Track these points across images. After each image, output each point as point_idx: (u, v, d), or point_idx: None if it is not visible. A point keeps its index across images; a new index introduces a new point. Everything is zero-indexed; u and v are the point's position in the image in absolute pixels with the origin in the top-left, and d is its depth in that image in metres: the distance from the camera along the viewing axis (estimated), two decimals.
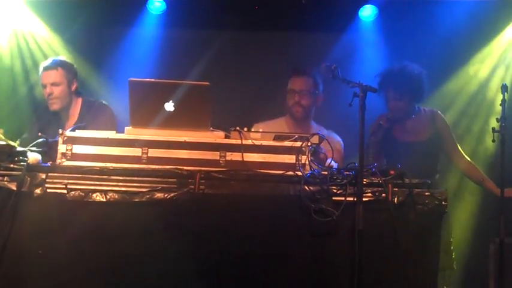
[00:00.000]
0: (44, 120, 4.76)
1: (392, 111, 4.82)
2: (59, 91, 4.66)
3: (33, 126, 4.80)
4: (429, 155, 4.79)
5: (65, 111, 4.73)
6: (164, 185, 3.45)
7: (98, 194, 3.42)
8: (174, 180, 3.46)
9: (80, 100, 4.77)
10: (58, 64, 4.68)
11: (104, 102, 4.83)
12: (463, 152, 4.89)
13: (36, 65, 5.50)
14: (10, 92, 5.70)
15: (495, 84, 5.52)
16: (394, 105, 4.81)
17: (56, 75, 4.65)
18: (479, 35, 5.64)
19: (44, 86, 4.69)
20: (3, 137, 4.27)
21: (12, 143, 4.04)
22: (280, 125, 4.79)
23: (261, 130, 3.97)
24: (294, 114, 4.77)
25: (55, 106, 4.68)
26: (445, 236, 4.70)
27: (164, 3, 5.81)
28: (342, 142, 4.80)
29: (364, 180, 3.45)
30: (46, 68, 4.68)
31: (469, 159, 4.88)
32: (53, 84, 4.65)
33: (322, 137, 3.69)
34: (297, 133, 3.78)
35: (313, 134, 3.68)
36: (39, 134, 3.82)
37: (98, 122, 4.54)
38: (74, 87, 4.73)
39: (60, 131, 3.57)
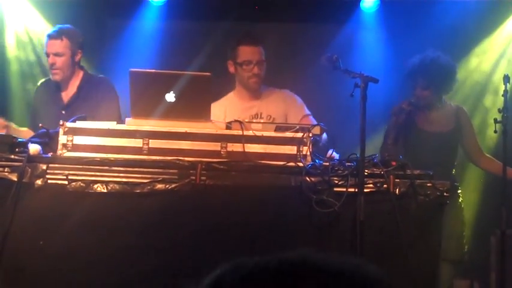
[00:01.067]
0: (44, 97, 4.69)
1: (416, 99, 4.80)
2: (62, 62, 4.49)
3: (35, 104, 4.73)
4: (449, 148, 4.80)
5: (65, 82, 4.61)
6: (165, 176, 3.45)
7: (98, 185, 3.42)
8: (175, 171, 3.46)
9: (81, 73, 4.64)
10: (63, 33, 4.51)
11: (104, 76, 4.76)
12: (480, 146, 4.89)
13: (39, 58, 5.50)
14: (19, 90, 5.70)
15: (497, 75, 5.50)
16: (419, 94, 4.79)
17: (59, 45, 4.49)
18: (482, 25, 5.61)
19: (47, 55, 4.53)
20: (19, 129, 4.29)
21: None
22: (232, 101, 4.61)
23: (259, 123, 3.96)
24: (251, 86, 4.54)
25: (57, 77, 4.55)
26: (459, 227, 4.72)
27: None
28: (289, 92, 4.65)
29: (366, 171, 3.45)
30: (50, 37, 4.51)
31: (485, 153, 4.88)
32: (56, 55, 4.48)
33: (324, 127, 3.68)
34: (294, 124, 3.77)
35: (315, 125, 3.67)
36: (40, 125, 3.79)
37: (99, 97, 4.50)
38: (77, 57, 4.58)
39: (61, 121, 3.56)
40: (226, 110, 4.53)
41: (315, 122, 3.99)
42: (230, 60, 4.53)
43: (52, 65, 4.52)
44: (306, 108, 4.55)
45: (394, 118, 4.72)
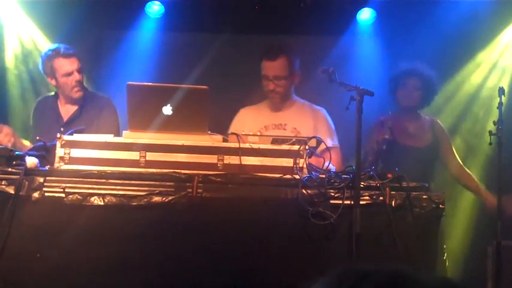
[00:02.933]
0: (43, 115, 4.70)
1: (405, 101, 4.86)
2: (80, 77, 4.55)
3: (34, 122, 4.74)
4: (427, 162, 4.82)
5: (66, 102, 4.64)
6: (162, 189, 3.46)
7: (95, 197, 3.43)
8: (172, 183, 3.47)
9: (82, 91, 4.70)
10: (74, 52, 4.55)
11: (106, 96, 4.77)
12: (459, 160, 4.92)
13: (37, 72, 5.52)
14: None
15: (492, 87, 5.52)
16: (410, 94, 4.84)
17: (77, 62, 4.53)
18: (476, 37, 5.65)
19: (69, 74, 4.51)
20: (23, 142, 4.30)
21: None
22: (262, 108, 4.66)
23: (258, 133, 3.99)
24: (270, 100, 4.61)
25: (81, 93, 4.56)
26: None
27: (163, 6, 5.81)
28: (325, 113, 4.65)
29: (362, 183, 3.46)
30: (65, 55, 4.52)
31: (465, 168, 4.91)
32: (78, 71, 4.52)
33: (320, 140, 3.70)
34: (290, 136, 3.79)
35: (311, 138, 3.68)
36: (37, 138, 3.81)
37: (101, 118, 4.52)
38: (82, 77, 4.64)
39: (58, 134, 3.57)
40: (253, 116, 4.57)
41: (336, 155, 4.10)
42: (259, 72, 4.59)
43: (78, 81, 4.53)
44: (334, 131, 4.54)
45: (376, 147, 4.76)
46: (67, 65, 4.52)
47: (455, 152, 4.96)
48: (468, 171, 4.92)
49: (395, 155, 4.70)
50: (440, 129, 4.95)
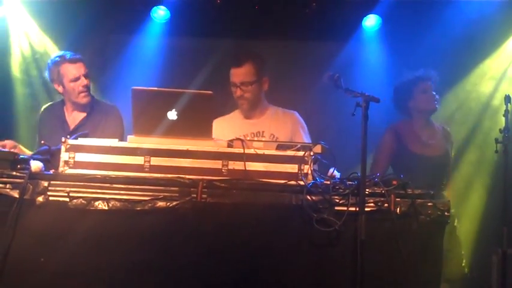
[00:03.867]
0: (50, 122, 4.71)
1: (428, 105, 4.88)
2: (88, 82, 4.58)
3: (41, 130, 4.76)
4: (441, 171, 4.84)
5: (72, 109, 4.67)
6: (166, 194, 3.45)
7: (100, 202, 3.42)
8: (177, 189, 3.46)
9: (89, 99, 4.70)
10: (80, 58, 4.58)
11: (112, 104, 4.78)
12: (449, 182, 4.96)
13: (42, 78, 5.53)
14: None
15: (499, 94, 5.51)
16: (432, 98, 4.87)
17: (84, 68, 4.56)
18: (483, 44, 5.64)
19: (77, 79, 4.56)
20: (23, 149, 4.30)
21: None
22: (236, 118, 4.69)
23: (250, 138, 3.96)
24: (240, 107, 4.64)
25: (88, 99, 4.61)
26: (456, 248, 4.73)
27: (168, 11, 5.82)
28: (298, 116, 4.68)
29: (367, 190, 3.45)
30: (72, 61, 4.55)
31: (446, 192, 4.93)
32: (85, 76, 4.56)
33: (325, 146, 3.69)
34: (295, 142, 3.78)
35: (316, 144, 3.67)
36: (42, 142, 3.81)
37: (107, 126, 4.53)
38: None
39: (63, 139, 3.57)
40: (227, 126, 4.56)
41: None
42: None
43: (86, 86, 4.55)
44: (307, 133, 4.60)
45: (388, 138, 4.78)
46: (74, 70, 4.55)
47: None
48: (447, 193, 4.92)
49: (407, 163, 4.72)
50: (451, 140, 4.99)
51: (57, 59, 4.58)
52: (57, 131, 4.57)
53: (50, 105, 4.77)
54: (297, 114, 4.69)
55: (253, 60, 4.55)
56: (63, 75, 4.55)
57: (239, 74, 4.53)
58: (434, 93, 4.89)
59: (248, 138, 4.49)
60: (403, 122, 4.97)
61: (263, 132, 4.57)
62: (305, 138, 4.52)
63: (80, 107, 4.64)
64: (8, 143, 4.14)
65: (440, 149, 4.88)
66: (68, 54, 4.59)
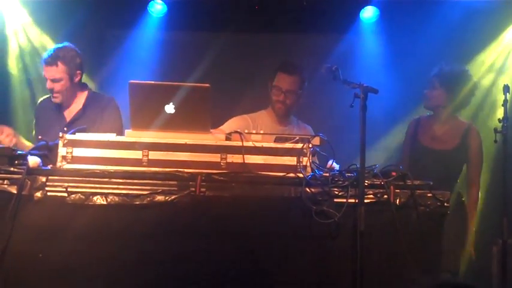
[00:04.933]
0: (46, 115, 4.70)
1: (427, 102, 4.90)
2: (60, 86, 4.51)
3: (37, 122, 4.73)
4: (452, 165, 4.81)
5: (67, 102, 4.62)
6: (165, 188, 3.44)
7: (98, 197, 3.41)
8: (175, 182, 3.45)
9: (85, 92, 4.66)
10: (58, 58, 4.48)
11: (110, 96, 4.74)
12: (476, 182, 4.85)
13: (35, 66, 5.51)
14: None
15: (498, 84, 5.50)
16: (430, 94, 4.87)
17: (56, 71, 4.49)
18: (481, 35, 5.63)
19: (46, 80, 4.55)
20: (25, 142, 4.29)
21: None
22: (263, 117, 4.77)
23: (261, 132, 3.96)
24: (276, 110, 4.73)
25: (57, 100, 4.56)
26: (462, 240, 4.73)
27: (165, 5, 5.80)
28: (311, 131, 4.75)
29: (366, 181, 3.44)
30: (46, 62, 4.50)
31: (474, 190, 4.85)
32: (53, 81, 4.50)
33: (323, 138, 3.68)
34: (294, 135, 3.77)
35: (314, 136, 3.66)
36: (40, 137, 3.80)
37: (104, 117, 4.51)
38: (77, 79, 4.58)
39: (61, 134, 3.56)
40: (256, 123, 4.60)
41: None
42: (269, 82, 4.72)
43: (51, 90, 4.54)
44: None
45: (408, 130, 4.83)
46: (45, 72, 4.54)
47: (479, 168, 4.87)
48: (474, 191, 4.87)
49: (418, 157, 4.73)
50: (474, 137, 4.85)
51: (43, 57, 4.57)
52: (53, 123, 4.56)
53: (48, 97, 4.75)
54: (309, 128, 4.81)
55: (302, 73, 4.71)
56: (43, 75, 4.59)
57: (289, 81, 4.66)
58: (437, 88, 4.84)
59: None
60: (426, 116, 4.99)
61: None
62: None
63: (70, 102, 4.62)
64: (6, 129, 4.12)
65: (452, 143, 4.84)
66: (47, 54, 4.54)
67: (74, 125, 4.43)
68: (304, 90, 4.72)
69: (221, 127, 4.55)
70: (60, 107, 4.62)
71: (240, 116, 4.77)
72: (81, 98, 4.64)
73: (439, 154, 4.79)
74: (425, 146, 4.83)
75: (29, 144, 4.42)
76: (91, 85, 4.89)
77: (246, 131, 3.73)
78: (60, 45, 4.60)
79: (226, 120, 4.66)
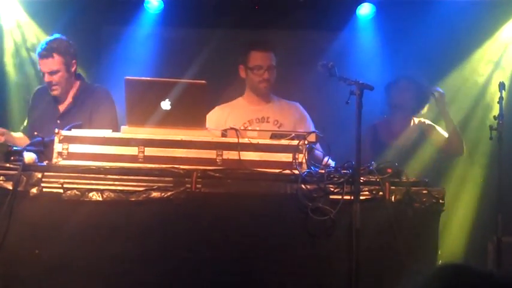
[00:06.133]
0: (40, 105, 4.68)
1: (397, 100, 5.05)
2: (58, 78, 4.49)
3: (31, 112, 4.72)
4: (407, 156, 4.89)
5: (64, 95, 4.61)
6: (161, 184, 3.44)
7: (94, 193, 3.41)
8: (171, 179, 3.45)
9: (77, 83, 4.63)
10: (53, 50, 4.46)
11: (102, 86, 4.73)
12: (444, 133, 5.02)
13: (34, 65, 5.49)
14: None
15: (494, 81, 5.50)
16: (401, 94, 5.03)
17: (52, 63, 4.47)
18: (477, 32, 5.63)
19: (43, 74, 4.53)
20: (14, 135, 4.28)
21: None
22: (241, 105, 4.70)
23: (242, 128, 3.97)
24: (261, 90, 4.62)
25: (56, 92, 4.54)
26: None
27: (162, 2, 5.79)
28: (301, 107, 4.74)
29: (361, 178, 3.45)
30: (41, 56, 4.47)
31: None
32: (50, 73, 4.48)
33: (319, 134, 3.68)
34: (290, 131, 3.77)
35: (310, 132, 3.66)
36: (35, 133, 3.79)
37: (95, 106, 4.48)
38: (73, 68, 4.56)
39: (56, 130, 3.55)
40: (231, 112, 4.58)
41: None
42: (241, 65, 4.63)
43: (49, 83, 4.51)
44: (311, 123, 4.65)
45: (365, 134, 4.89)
46: (41, 66, 4.52)
47: (439, 128, 5.04)
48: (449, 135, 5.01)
49: (377, 150, 4.80)
50: (425, 123, 5.07)
51: (37, 50, 4.55)
52: (47, 113, 4.55)
53: (42, 87, 4.73)
54: (299, 105, 4.74)
55: (275, 48, 4.64)
56: (39, 66, 4.56)
57: (267, 58, 4.56)
58: (408, 91, 5.01)
59: (253, 125, 4.55)
60: (384, 118, 5.10)
61: (268, 118, 4.60)
62: (310, 128, 4.53)
63: (66, 94, 4.61)
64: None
65: (412, 137, 5.00)
66: (40, 47, 4.51)
67: (67, 115, 4.43)
68: (276, 65, 4.62)
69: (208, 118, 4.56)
70: (55, 98, 4.61)
71: (215, 108, 4.68)
72: (74, 89, 4.62)
73: (399, 148, 4.87)
74: (388, 143, 4.94)
75: (17, 136, 4.42)
76: (88, 81, 4.86)
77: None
78: (51, 37, 4.58)
79: None
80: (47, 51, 4.46)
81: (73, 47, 4.58)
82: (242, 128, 4.41)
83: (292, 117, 4.61)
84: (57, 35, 4.60)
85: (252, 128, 4.46)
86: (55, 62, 4.47)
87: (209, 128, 3.69)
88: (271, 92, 4.72)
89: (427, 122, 5.12)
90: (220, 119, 4.57)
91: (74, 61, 4.56)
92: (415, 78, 5.05)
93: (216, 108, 4.70)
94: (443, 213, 3.54)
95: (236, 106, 4.70)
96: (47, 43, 4.51)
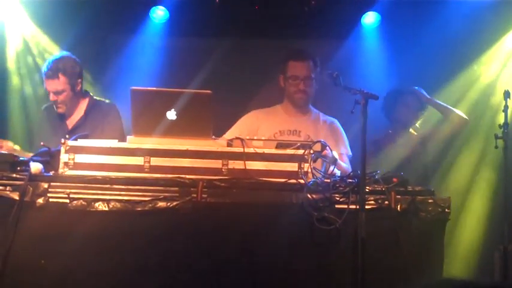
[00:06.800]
0: (49, 122, 4.72)
1: (405, 117, 5.15)
2: (63, 97, 4.54)
3: (40, 130, 4.76)
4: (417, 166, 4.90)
5: (70, 111, 4.65)
6: (166, 194, 3.44)
7: (100, 203, 3.42)
8: (177, 189, 3.45)
9: (86, 99, 4.68)
10: (58, 70, 4.50)
11: (110, 102, 4.75)
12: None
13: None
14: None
15: (499, 88, 5.49)
16: (410, 112, 5.13)
17: (57, 84, 4.52)
18: (482, 39, 5.63)
19: (48, 92, 4.58)
20: (18, 149, 4.29)
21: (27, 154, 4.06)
22: (277, 112, 4.69)
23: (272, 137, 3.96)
24: (296, 102, 4.62)
25: (61, 110, 4.60)
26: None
27: (167, 11, 5.81)
28: (338, 124, 4.71)
29: (367, 187, 3.44)
30: (47, 76, 4.52)
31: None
32: (56, 93, 4.54)
33: (324, 144, 3.68)
34: (299, 140, 3.77)
35: (315, 142, 3.66)
36: (42, 143, 3.80)
37: (105, 124, 4.52)
38: (78, 88, 4.60)
39: (63, 140, 3.57)
40: (266, 118, 4.60)
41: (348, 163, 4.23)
42: (281, 75, 4.64)
43: (55, 102, 4.56)
44: (345, 140, 4.59)
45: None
46: (47, 85, 4.56)
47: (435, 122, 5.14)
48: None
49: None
50: (425, 129, 5.14)
51: (43, 70, 4.58)
52: (56, 132, 4.58)
53: (49, 105, 4.77)
54: (337, 122, 4.69)
55: (313, 59, 4.61)
56: (44, 85, 4.61)
57: (303, 68, 4.55)
58: (417, 109, 5.12)
59: (283, 136, 4.54)
60: (386, 134, 5.18)
61: (300, 131, 4.57)
62: (342, 146, 4.51)
63: (73, 111, 4.65)
64: (5, 144, 4.13)
65: (414, 148, 5.08)
66: (46, 67, 4.54)
67: (76, 132, 4.43)
68: (317, 75, 4.59)
69: (243, 121, 4.61)
70: (63, 115, 4.65)
71: (252, 112, 4.69)
72: (82, 106, 4.66)
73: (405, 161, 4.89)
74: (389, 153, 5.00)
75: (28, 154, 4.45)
76: (93, 91, 4.88)
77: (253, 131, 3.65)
78: (57, 56, 4.63)
79: (229, 127, 4.63)
80: (53, 72, 4.51)
81: (79, 66, 4.62)
82: (273, 137, 4.44)
83: (323, 133, 4.53)
84: (64, 53, 4.65)
85: (282, 138, 4.44)
86: (60, 83, 4.52)
87: (240, 135, 3.69)
88: (311, 103, 4.70)
89: (422, 130, 5.18)
90: (254, 123, 4.58)
91: (79, 80, 4.60)
92: (418, 93, 5.11)
93: (252, 112, 4.70)
94: (451, 223, 3.53)
95: (272, 113, 4.69)
96: (53, 62, 4.54)
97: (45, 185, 3.43)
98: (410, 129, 5.20)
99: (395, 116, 5.13)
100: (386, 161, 4.90)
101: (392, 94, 5.15)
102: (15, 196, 3.40)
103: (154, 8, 5.82)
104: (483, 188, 5.45)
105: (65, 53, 4.65)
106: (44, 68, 4.57)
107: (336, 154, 3.81)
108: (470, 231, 5.42)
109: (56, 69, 4.51)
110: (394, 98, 5.13)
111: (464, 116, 5.05)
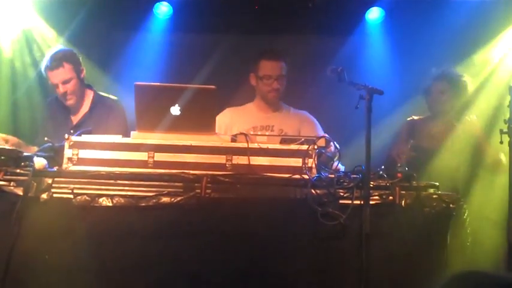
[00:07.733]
0: (53, 116, 4.71)
1: (433, 106, 4.97)
2: (73, 86, 4.53)
3: (45, 123, 4.75)
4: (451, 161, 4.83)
5: (78, 104, 4.64)
6: (170, 189, 3.44)
7: (104, 198, 3.42)
8: (181, 184, 3.45)
9: (91, 93, 4.68)
10: (62, 59, 4.50)
11: (115, 98, 4.76)
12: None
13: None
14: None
15: (504, 84, 5.47)
16: (435, 99, 4.93)
17: (64, 72, 4.50)
18: (487, 34, 5.60)
19: (56, 86, 4.54)
20: (23, 144, 4.29)
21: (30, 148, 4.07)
22: (250, 110, 4.78)
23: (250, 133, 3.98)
24: (270, 100, 4.72)
25: (71, 101, 4.58)
26: (463, 238, 4.70)
27: (171, 7, 5.81)
28: (308, 115, 4.78)
29: (371, 183, 3.43)
30: (52, 68, 4.49)
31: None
32: (64, 83, 4.51)
33: (329, 139, 3.67)
34: (302, 137, 3.76)
35: (320, 137, 3.66)
36: (45, 139, 3.80)
37: (110, 120, 4.52)
38: (82, 75, 4.61)
39: (66, 135, 3.57)
40: (240, 116, 4.64)
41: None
42: (252, 73, 4.71)
43: (64, 93, 4.53)
44: (320, 128, 4.66)
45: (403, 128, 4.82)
46: (53, 78, 4.54)
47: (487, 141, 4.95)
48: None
49: (421, 159, 4.72)
50: (471, 125, 4.96)
51: (45, 65, 4.57)
52: (60, 125, 4.57)
53: (53, 98, 4.75)
54: (307, 113, 4.80)
55: (285, 57, 4.69)
56: (49, 81, 4.58)
57: (276, 67, 4.63)
58: (443, 92, 4.92)
59: (258, 132, 4.60)
60: (423, 117, 5.02)
61: (273, 126, 4.68)
62: (312, 130, 4.58)
63: (79, 104, 4.63)
64: (11, 138, 4.13)
65: (447, 139, 4.89)
66: (49, 60, 4.52)
67: (81, 127, 4.43)
68: (287, 72, 4.67)
69: (219, 119, 4.56)
70: (68, 111, 4.64)
71: (226, 109, 4.75)
72: (87, 101, 4.66)
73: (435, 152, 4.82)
74: (424, 147, 4.86)
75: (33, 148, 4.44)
76: (97, 86, 4.88)
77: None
78: (55, 50, 4.62)
79: None
80: (56, 62, 4.49)
81: (77, 55, 4.63)
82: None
83: (296, 126, 4.66)
84: (60, 47, 4.64)
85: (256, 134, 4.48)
86: (66, 71, 4.50)
87: (218, 132, 3.70)
88: (281, 100, 4.78)
89: (470, 120, 4.99)
90: (230, 121, 4.65)
91: (82, 68, 4.60)
92: (447, 74, 4.94)
93: (227, 109, 4.76)
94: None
95: (245, 111, 4.77)
96: (54, 54, 4.54)
97: (49, 181, 3.43)
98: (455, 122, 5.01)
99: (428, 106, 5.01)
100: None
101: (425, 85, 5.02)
102: (19, 191, 3.40)
103: (158, 3, 5.82)
104: (504, 183, 5.41)
105: (61, 46, 4.65)
106: (45, 63, 4.55)
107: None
108: (494, 227, 5.37)
109: (59, 58, 4.50)
110: (425, 88, 5.01)
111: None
